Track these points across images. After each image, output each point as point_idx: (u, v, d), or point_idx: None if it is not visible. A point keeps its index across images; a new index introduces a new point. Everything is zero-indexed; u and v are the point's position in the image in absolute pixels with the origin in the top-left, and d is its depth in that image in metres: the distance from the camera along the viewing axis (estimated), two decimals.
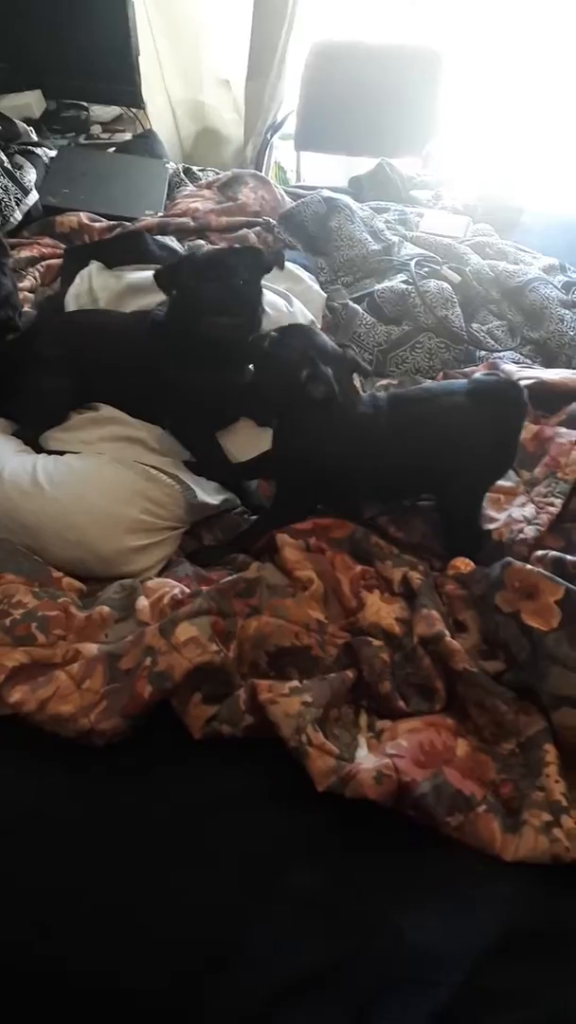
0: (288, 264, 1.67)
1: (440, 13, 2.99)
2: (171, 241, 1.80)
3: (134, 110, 2.70)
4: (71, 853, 0.88)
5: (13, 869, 0.86)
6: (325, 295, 1.78)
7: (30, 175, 1.97)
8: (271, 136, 2.98)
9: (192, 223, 1.95)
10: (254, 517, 1.36)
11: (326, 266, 1.90)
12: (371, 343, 1.68)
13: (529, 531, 1.23)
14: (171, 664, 0.97)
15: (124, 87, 2.54)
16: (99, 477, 1.23)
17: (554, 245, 2.10)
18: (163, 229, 1.88)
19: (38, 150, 2.10)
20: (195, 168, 2.36)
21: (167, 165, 2.27)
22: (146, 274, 1.53)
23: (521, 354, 1.72)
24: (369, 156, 2.59)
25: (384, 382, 1.62)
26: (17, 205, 1.88)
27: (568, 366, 1.67)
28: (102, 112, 2.71)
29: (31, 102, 2.48)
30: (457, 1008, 0.78)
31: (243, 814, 0.92)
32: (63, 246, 1.85)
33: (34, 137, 2.25)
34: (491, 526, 1.26)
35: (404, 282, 1.76)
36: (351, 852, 0.91)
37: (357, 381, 1.59)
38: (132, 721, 0.96)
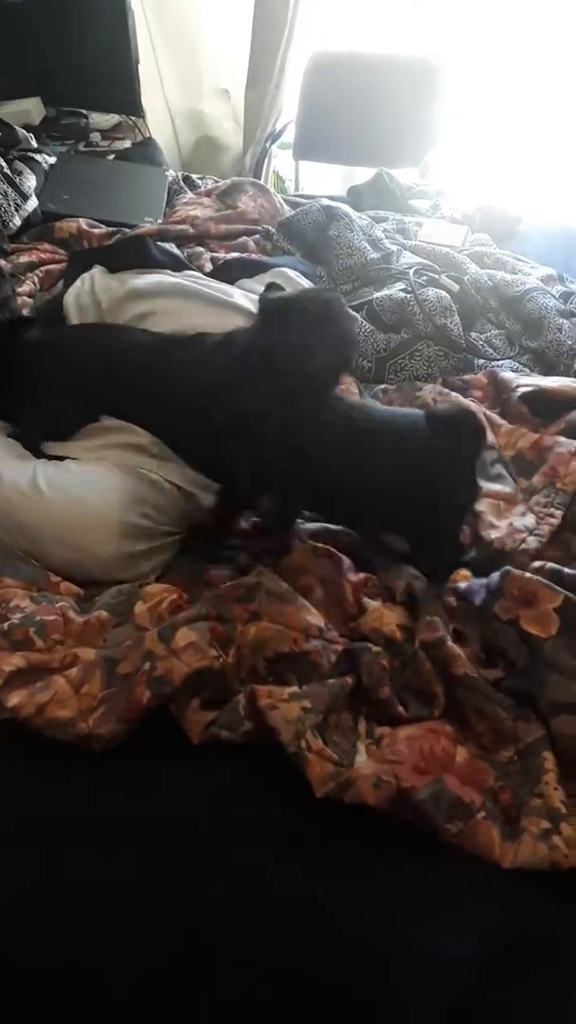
0: (288, 271, 1.68)
1: (439, 24, 3.02)
2: (173, 248, 1.81)
3: (133, 118, 2.71)
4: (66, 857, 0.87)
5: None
6: None
7: (30, 181, 1.97)
8: (270, 145, 3.00)
9: (191, 230, 1.96)
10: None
11: (325, 274, 1.91)
12: (370, 351, 1.69)
13: (531, 541, 1.24)
14: (170, 669, 0.97)
15: (123, 95, 2.56)
16: (99, 482, 1.22)
17: (552, 255, 2.10)
18: (162, 236, 1.88)
19: (38, 157, 2.10)
20: (194, 176, 2.37)
21: (167, 173, 2.28)
22: (148, 279, 1.52)
23: (519, 363, 1.72)
24: (368, 166, 2.61)
25: (382, 386, 1.63)
26: (16, 210, 1.88)
27: (567, 375, 1.67)
28: (101, 120, 2.71)
29: (30, 109, 2.48)
30: (456, 1017, 0.78)
31: (240, 819, 0.92)
32: (62, 251, 1.85)
33: (34, 144, 2.25)
34: (494, 534, 1.26)
35: (403, 290, 1.77)
36: (348, 859, 0.90)
37: (355, 386, 1.60)
38: (130, 726, 0.95)
